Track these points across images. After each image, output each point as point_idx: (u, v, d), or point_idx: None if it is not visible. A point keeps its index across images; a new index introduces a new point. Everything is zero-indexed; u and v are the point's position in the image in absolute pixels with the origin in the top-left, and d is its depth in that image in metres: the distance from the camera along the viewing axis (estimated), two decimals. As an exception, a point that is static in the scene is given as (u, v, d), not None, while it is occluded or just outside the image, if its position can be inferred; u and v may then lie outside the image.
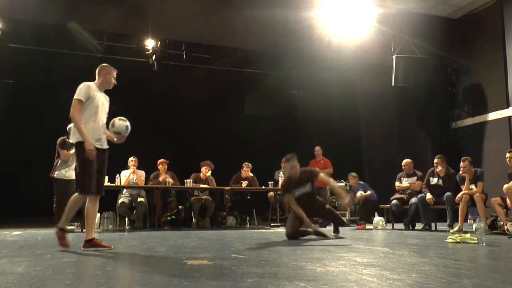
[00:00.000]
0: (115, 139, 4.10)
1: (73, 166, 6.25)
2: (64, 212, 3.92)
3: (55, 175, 6.20)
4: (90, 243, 3.87)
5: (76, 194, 3.90)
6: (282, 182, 5.85)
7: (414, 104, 9.55)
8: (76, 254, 3.62)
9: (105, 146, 4.04)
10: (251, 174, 8.15)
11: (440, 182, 6.90)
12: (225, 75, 9.97)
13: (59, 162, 6.26)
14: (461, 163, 6.55)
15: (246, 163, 8.14)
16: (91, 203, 3.94)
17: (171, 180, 7.43)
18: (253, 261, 3.14)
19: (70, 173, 6.26)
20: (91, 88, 3.94)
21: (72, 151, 6.15)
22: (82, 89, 3.89)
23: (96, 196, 3.95)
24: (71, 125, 4.51)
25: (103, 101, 4.03)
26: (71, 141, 4.25)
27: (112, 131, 4.06)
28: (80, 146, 3.82)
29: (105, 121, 4.06)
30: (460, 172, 6.56)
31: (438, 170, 6.94)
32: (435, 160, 6.99)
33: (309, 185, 5.46)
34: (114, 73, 4.13)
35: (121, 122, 4.07)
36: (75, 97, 3.86)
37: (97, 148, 3.87)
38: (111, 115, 4.15)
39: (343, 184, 8.50)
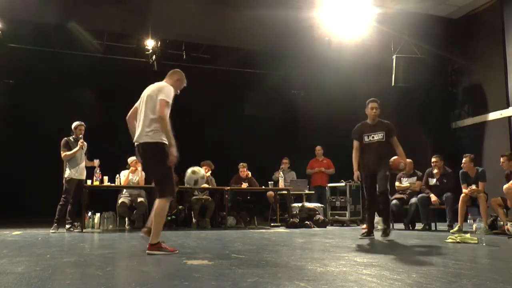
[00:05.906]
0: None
1: (83, 165, 6.32)
2: (156, 226, 3.55)
3: (66, 176, 6.21)
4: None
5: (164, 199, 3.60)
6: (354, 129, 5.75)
7: (414, 104, 9.53)
8: (76, 254, 3.62)
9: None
10: (250, 174, 8.15)
11: (438, 182, 6.91)
12: (225, 75, 9.96)
13: (67, 163, 6.24)
14: (463, 159, 6.56)
15: (241, 163, 8.16)
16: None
17: None
18: (253, 261, 3.14)
19: (81, 173, 6.34)
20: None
21: (73, 150, 6.15)
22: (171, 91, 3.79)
23: None
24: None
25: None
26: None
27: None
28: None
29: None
30: (463, 169, 6.56)
31: (434, 172, 6.95)
32: (432, 160, 7.00)
33: (383, 134, 5.44)
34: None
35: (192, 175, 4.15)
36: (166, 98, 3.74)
37: None
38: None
39: (343, 183, 8.49)
